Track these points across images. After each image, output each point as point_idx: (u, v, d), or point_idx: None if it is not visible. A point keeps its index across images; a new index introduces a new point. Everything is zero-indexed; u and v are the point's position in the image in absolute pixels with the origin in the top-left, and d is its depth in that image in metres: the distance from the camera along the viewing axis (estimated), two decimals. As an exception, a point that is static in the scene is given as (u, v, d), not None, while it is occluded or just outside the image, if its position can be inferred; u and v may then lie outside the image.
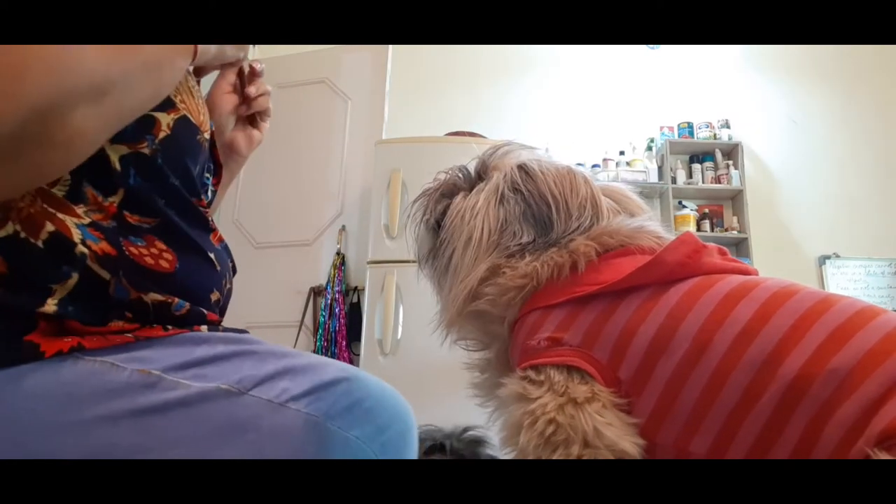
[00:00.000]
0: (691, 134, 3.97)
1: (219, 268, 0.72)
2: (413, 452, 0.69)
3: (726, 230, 3.84)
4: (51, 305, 0.57)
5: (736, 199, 3.91)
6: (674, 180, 3.85)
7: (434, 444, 1.07)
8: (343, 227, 3.03)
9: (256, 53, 3.20)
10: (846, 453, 0.51)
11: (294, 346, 2.83)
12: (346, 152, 3.15)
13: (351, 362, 2.79)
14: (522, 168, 0.77)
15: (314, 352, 2.81)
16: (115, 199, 0.63)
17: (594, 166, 3.82)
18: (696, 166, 3.95)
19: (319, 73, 3.23)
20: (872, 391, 0.51)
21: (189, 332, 0.64)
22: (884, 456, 0.48)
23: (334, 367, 0.65)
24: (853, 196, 3.94)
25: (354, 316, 2.84)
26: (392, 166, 2.70)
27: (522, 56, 4.07)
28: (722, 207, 3.97)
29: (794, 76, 4.14)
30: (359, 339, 2.63)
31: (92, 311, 0.59)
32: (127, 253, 0.61)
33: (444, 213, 0.82)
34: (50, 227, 0.58)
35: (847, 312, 0.57)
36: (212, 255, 0.70)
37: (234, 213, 3.11)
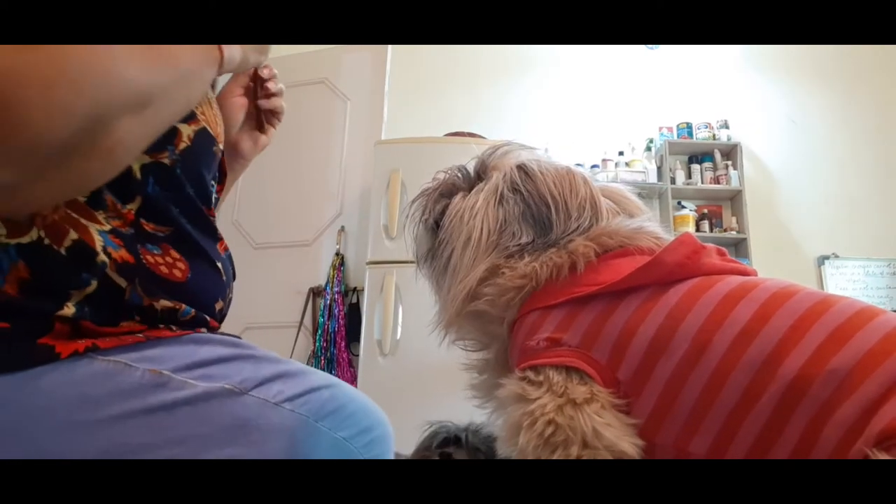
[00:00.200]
0: (690, 134, 3.97)
1: (224, 277, 0.74)
2: (391, 456, 0.73)
3: (725, 230, 3.84)
4: (69, 308, 0.58)
5: (735, 199, 3.92)
6: (673, 181, 3.85)
7: (448, 437, 1.07)
8: (342, 228, 3.03)
9: (256, 54, 3.19)
10: (845, 453, 0.51)
11: (293, 347, 2.83)
12: (345, 153, 3.15)
13: (350, 363, 2.79)
14: (522, 168, 0.77)
15: (314, 352, 2.82)
16: (132, 207, 0.64)
17: (593, 167, 3.82)
18: (695, 167, 3.95)
19: (319, 73, 3.23)
20: (872, 391, 0.51)
21: (192, 333, 0.66)
22: (883, 456, 0.48)
23: (319, 375, 0.69)
24: (852, 196, 3.94)
25: (354, 316, 2.84)
26: (391, 167, 2.70)
27: (522, 56, 4.07)
28: (721, 208, 3.98)
29: (793, 76, 4.14)
30: (358, 339, 2.63)
31: (106, 314, 0.60)
32: (144, 262, 0.63)
33: (442, 212, 0.82)
34: (73, 234, 0.59)
35: (846, 313, 0.57)
36: (219, 265, 0.73)
37: (233, 213, 3.11)
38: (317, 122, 3.17)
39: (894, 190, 3.96)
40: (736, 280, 0.65)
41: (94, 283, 0.59)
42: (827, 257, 3.84)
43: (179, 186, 0.68)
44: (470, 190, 0.81)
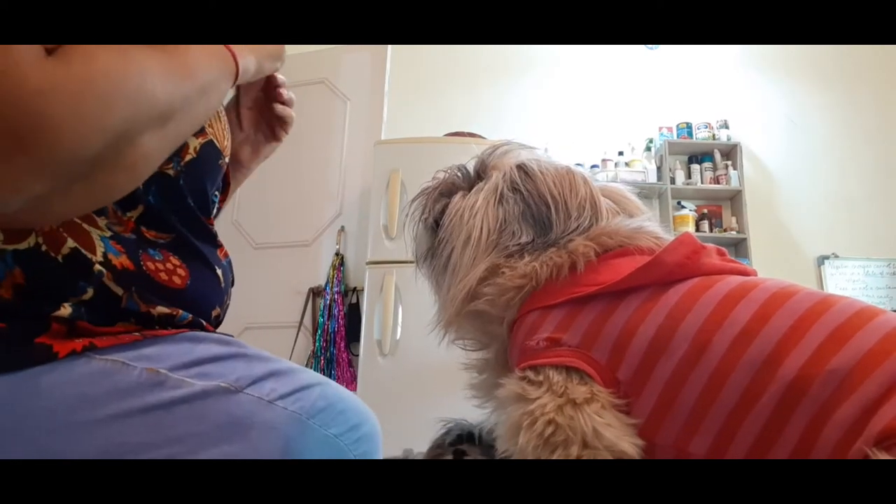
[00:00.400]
0: (690, 134, 3.97)
1: (223, 284, 0.74)
2: (379, 453, 0.74)
3: (725, 230, 3.84)
4: (65, 309, 0.58)
5: (735, 199, 3.92)
6: (672, 181, 3.85)
7: (462, 434, 1.07)
8: (342, 228, 3.03)
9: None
10: (845, 453, 0.51)
11: (293, 347, 2.83)
12: (345, 153, 3.15)
13: (350, 363, 2.79)
14: (522, 168, 0.77)
15: (313, 352, 2.82)
16: (133, 215, 0.65)
17: (593, 167, 3.82)
18: (695, 167, 3.95)
19: (319, 73, 3.23)
20: (872, 391, 0.51)
21: (188, 332, 0.66)
22: (883, 456, 0.48)
23: (308, 373, 0.70)
24: (852, 196, 3.94)
25: (353, 316, 2.84)
26: (391, 167, 2.70)
27: (522, 56, 4.07)
28: (721, 208, 3.98)
29: (793, 76, 4.14)
30: (358, 339, 2.63)
31: (102, 317, 0.61)
32: (144, 268, 0.64)
33: (442, 212, 0.82)
34: (71, 242, 0.59)
35: (846, 313, 0.57)
36: (218, 272, 0.73)
37: (233, 213, 3.11)
38: (317, 122, 3.17)
39: (894, 190, 3.96)
40: (736, 280, 0.65)
41: (91, 291, 0.60)
42: (827, 257, 3.84)
43: (181, 197, 0.69)
44: (470, 189, 0.81)
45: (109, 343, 0.60)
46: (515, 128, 3.65)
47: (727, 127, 3.97)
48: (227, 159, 0.77)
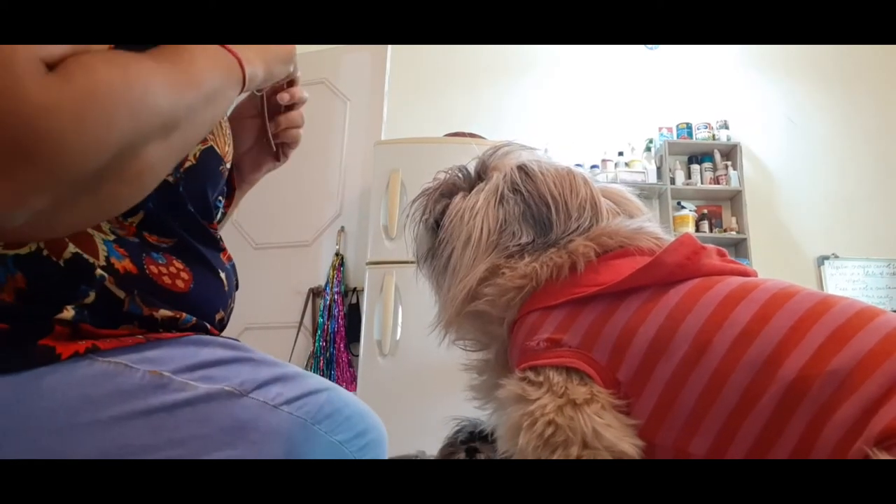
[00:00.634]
0: (690, 135, 3.97)
1: (227, 287, 0.74)
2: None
3: (725, 231, 3.84)
4: (67, 312, 0.58)
5: (734, 199, 3.92)
6: (672, 181, 3.86)
7: (474, 433, 1.08)
8: (342, 228, 3.03)
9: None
10: (845, 454, 0.51)
11: (293, 347, 2.83)
12: (345, 153, 3.15)
13: (350, 363, 2.79)
14: (522, 168, 0.77)
15: (313, 353, 2.82)
16: (134, 220, 0.65)
17: (593, 167, 3.82)
18: (695, 167, 3.95)
19: (318, 73, 3.23)
20: (872, 392, 0.51)
21: (192, 335, 0.67)
22: (883, 456, 0.48)
23: (315, 379, 0.70)
24: (852, 196, 3.94)
25: (353, 317, 2.84)
26: (391, 167, 2.70)
27: (522, 56, 4.07)
28: (721, 208, 3.98)
29: (792, 76, 4.14)
30: (358, 339, 2.63)
31: (104, 320, 0.61)
32: (147, 272, 0.64)
33: (443, 212, 0.82)
34: (72, 247, 0.59)
35: (846, 313, 0.57)
36: (222, 275, 0.73)
37: (233, 214, 3.11)
38: (317, 122, 3.17)
39: (894, 190, 3.96)
40: (736, 281, 0.65)
41: (93, 295, 0.60)
42: (827, 257, 3.84)
43: (181, 203, 0.69)
44: (470, 190, 0.81)
45: (112, 345, 0.60)
46: (515, 128, 3.66)
47: (727, 127, 3.97)
48: (228, 165, 0.77)
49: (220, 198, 0.79)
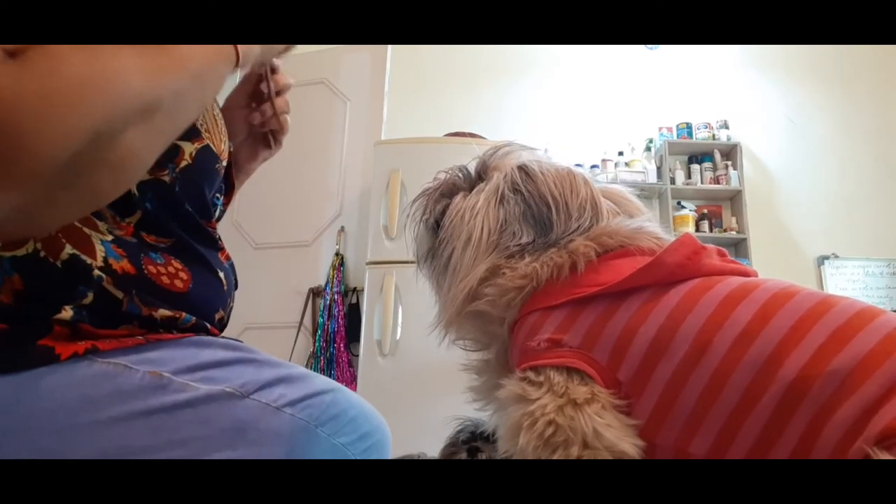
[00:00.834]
0: (690, 134, 3.97)
1: (226, 287, 0.74)
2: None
3: (725, 231, 3.84)
4: (66, 312, 0.58)
5: (735, 199, 3.92)
6: (672, 181, 3.85)
7: (475, 432, 1.08)
8: (342, 228, 3.03)
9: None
10: (845, 453, 0.51)
11: (293, 347, 2.83)
12: (345, 153, 3.15)
13: (350, 363, 2.79)
14: (523, 169, 0.77)
15: (313, 352, 2.82)
16: (131, 220, 0.65)
17: (593, 167, 3.82)
18: (695, 167, 3.95)
19: (319, 73, 3.23)
20: (872, 392, 0.51)
21: (194, 336, 0.66)
22: (883, 455, 0.48)
23: (320, 380, 0.70)
24: (852, 196, 3.94)
25: (353, 317, 2.84)
26: (391, 167, 2.70)
27: (522, 56, 4.07)
28: (721, 208, 3.98)
29: (792, 76, 4.14)
30: (358, 339, 2.63)
31: (103, 320, 0.61)
32: (146, 272, 0.63)
33: (443, 212, 0.82)
34: (70, 248, 0.59)
35: (847, 313, 0.57)
36: (221, 274, 0.73)
37: (233, 214, 3.11)
38: (317, 122, 3.18)
39: (894, 190, 3.96)
40: (736, 281, 0.65)
41: (91, 295, 0.60)
42: (827, 257, 3.84)
43: (178, 203, 0.68)
44: (471, 190, 0.81)
45: (112, 346, 0.60)
46: (515, 128, 3.66)
47: (727, 127, 3.97)
48: (224, 163, 0.77)
49: (219, 195, 0.79)
